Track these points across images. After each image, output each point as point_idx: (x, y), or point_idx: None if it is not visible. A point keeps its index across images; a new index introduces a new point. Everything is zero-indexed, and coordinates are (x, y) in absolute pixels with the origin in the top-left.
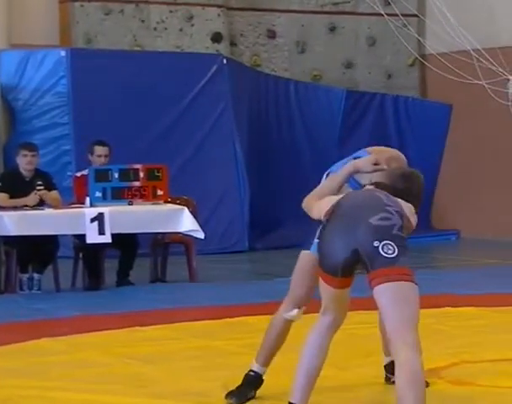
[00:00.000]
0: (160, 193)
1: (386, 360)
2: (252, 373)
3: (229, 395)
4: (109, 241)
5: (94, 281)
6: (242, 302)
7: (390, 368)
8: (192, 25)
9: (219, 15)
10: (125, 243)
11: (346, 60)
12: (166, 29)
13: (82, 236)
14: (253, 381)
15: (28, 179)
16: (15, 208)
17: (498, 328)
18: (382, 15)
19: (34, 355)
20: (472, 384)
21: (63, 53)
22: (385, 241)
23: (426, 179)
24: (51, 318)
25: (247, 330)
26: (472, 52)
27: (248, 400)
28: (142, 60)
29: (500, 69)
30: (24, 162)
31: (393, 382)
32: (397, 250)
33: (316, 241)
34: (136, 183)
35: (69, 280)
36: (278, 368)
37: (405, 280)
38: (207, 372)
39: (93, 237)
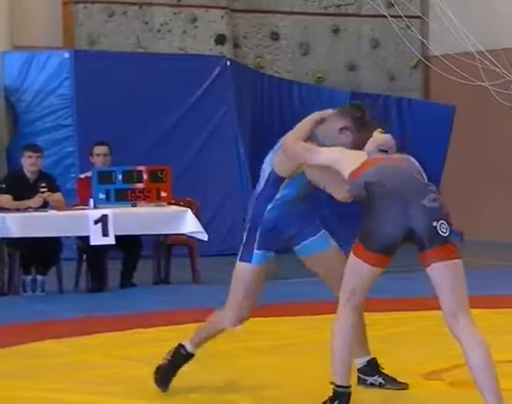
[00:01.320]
0: (163, 194)
1: (360, 363)
2: (183, 351)
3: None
4: (113, 242)
5: (98, 283)
6: None
7: (366, 370)
8: (195, 27)
9: (222, 17)
10: (129, 245)
11: (349, 61)
12: (169, 30)
13: (85, 238)
14: (185, 358)
15: (32, 181)
16: (19, 209)
17: (502, 330)
18: (386, 17)
19: (37, 357)
20: (474, 386)
21: (67, 55)
22: (441, 221)
23: (429, 181)
24: (54, 320)
25: (250, 332)
26: (475, 54)
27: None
28: (146, 62)
29: (503, 71)
30: (29, 164)
31: (370, 384)
32: (449, 228)
33: (257, 252)
34: (140, 185)
35: (72, 282)
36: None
37: (459, 257)
38: (208, 374)
39: (96, 239)
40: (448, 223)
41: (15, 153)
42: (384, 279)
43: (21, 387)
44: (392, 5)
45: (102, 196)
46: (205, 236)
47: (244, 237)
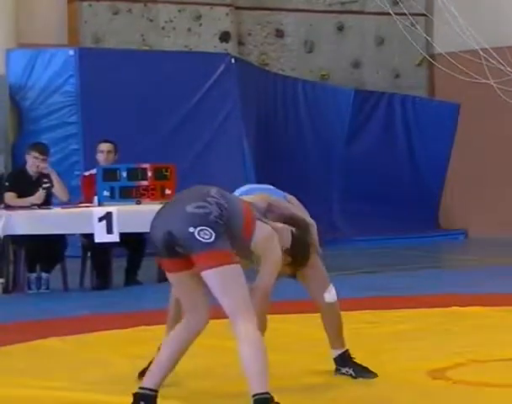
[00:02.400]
0: (168, 192)
1: (334, 353)
2: None
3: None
4: (117, 240)
5: (102, 280)
6: None
7: (339, 360)
8: (200, 25)
9: (227, 14)
10: (133, 242)
11: (354, 59)
12: (174, 28)
13: (90, 236)
14: None
15: (34, 178)
16: (23, 207)
17: (506, 328)
18: (390, 14)
19: (42, 355)
20: (479, 384)
21: (71, 52)
22: (201, 227)
23: (434, 179)
24: (59, 317)
25: None
26: (480, 52)
27: None
28: (151, 59)
29: (508, 68)
30: (31, 164)
31: (342, 373)
32: (214, 235)
33: None
34: (144, 183)
35: (77, 279)
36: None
37: (228, 263)
38: (214, 371)
39: (101, 236)
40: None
41: (20, 151)
42: (391, 277)
43: (26, 385)
44: (397, 3)
45: (106, 193)
46: None
47: None
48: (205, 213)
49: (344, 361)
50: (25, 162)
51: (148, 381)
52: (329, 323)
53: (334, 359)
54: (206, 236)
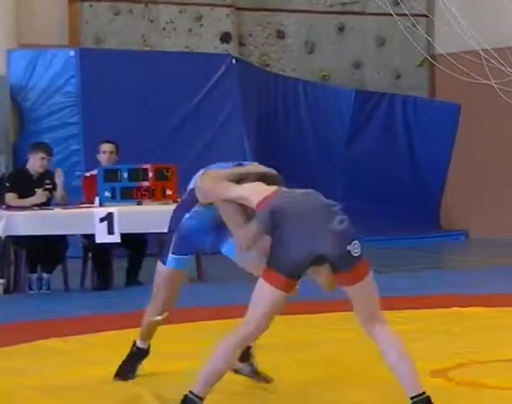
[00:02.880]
0: (169, 192)
1: None
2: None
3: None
4: (119, 240)
5: (103, 281)
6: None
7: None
8: (201, 25)
9: (228, 15)
10: (134, 243)
11: (355, 60)
12: (175, 29)
13: (91, 236)
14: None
15: (35, 178)
16: (24, 207)
17: (507, 328)
18: (391, 15)
19: (43, 355)
20: (480, 384)
21: (72, 53)
22: (353, 242)
23: (434, 179)
24: (60, 318)
25: None
26: (480, 52)
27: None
28: (151, 60)
29: (509, 69)
30: (38, 165)
31: (237, 370)
32: (359, 245)
33: (172, 256)
34: (145, 183)
35: (78, 280)
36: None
37: (369, 272)
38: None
39: (102, 237)
40: (359, 240)
41: (21, 151)
42: (392, 278)
43: (27, 385)
44: (398, 3)
45: (107, 194)
46: None
47: (164, 239)
48: (349, 225)
49: (245, 357)
50: (25, 162)
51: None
52: None
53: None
54: (357, 250)
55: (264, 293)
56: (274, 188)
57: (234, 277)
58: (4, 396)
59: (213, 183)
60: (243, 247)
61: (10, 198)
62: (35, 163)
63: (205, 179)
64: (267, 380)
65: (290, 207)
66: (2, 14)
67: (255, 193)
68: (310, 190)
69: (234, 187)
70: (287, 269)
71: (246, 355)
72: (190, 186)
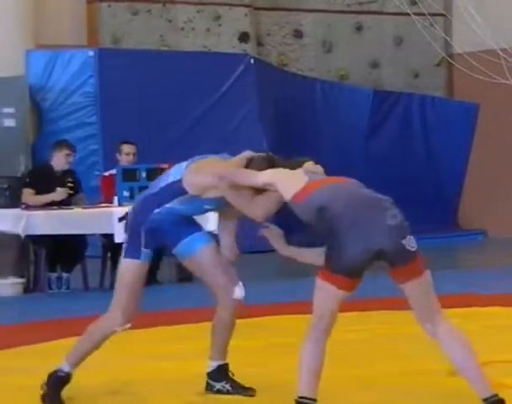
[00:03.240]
0: None
1: (211, 365)
2: (62, 374)
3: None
4: None
5: None
6: (266, 302)
7: (215, 375)
8: (219, 25)
9: (246, 15)
10: None
11: (372, 59)
12: (193, 28)
13: (110, 236)
14: (64, 381)
15: (58, 174)
16: (43, 206)
17: None
18: (409, 14)
19: (63, 354)
20: (500, 384)
21: (91, 53)
22: (408, 237)
23: (452, 179)
24: (80, 317)
25: (270, 330)
26: (499, 51)
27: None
28: (169, 60)
29: None
30: (63, 161)
31: (217, 390)
32: (414, 240)
33: (144, 250)
34: None
35: (97, 279)
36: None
37: (426, 268)
38: (234, 371)
39: (120, 237)
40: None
41: (40, 151)
42: None
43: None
44: (416, 3)
45: (126, 194)
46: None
47: (127, 235)
48: (403, 219)
49: (221, 375)
50: (49, 159)
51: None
52: (227, 326)
53: (209, 373)
54: (413, 244)
55: (328, 295)
56: (305, 178)
57: (250, 277)
58: (25, 395)
59: (229, 169)
60: (263, 228)
61: (27, 194)
62: (60, 160)
63: (208, 168)
64: (251, 391)
65: (341, 204)
66: (21, 15)
67: (286, 181)
68: (352, 180)
69: (260, 173)
70: (347, 270)
71: (223, 374)
72: (169, 180)
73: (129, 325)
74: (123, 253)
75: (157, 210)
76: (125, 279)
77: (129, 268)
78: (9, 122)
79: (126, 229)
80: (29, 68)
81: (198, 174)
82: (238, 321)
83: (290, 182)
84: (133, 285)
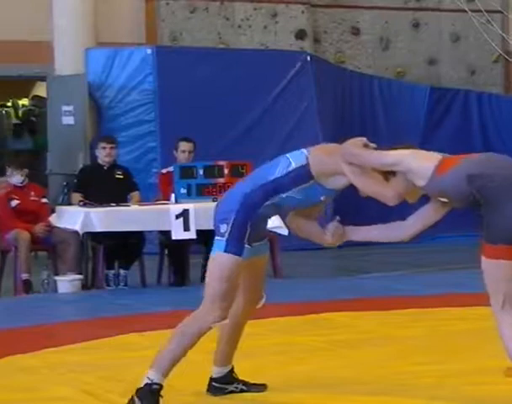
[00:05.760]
0: None
1: (217, 372)
2: (156, 386)
3: None
4: (194, 237)
5: (180, 277)
6: (326, 298)
7: (226, 377)
8: (276, 22)
9: (303, 12)
10: (210, 239)
11: (429, 56)
12: (250, 26)
13: (167, 233)
14: (160, 393)
15: (106, 168)
16: (101, 204)
17: None
18: (466, 11)
19: (122, 350)
20: None
21: (149, 51)
22: None
23: None
24: (138, 313)
25: (331, 326)
26: None
27: None
28: (227, 57)
29: None
30: (103, 155)
31: (230, 391)
32: None
33: (248, 246)
34: (221, 180)
35: (155, 276)
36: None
37: None
38: (290, 367)
39: (178, 234)
40: None
41: None
42: (470, 274)
43: (106, 378)
44: (473, 0)
45: (183, 191)
46: (285, 231)
47: (229, 228)
48: None
49: (232, 377)
50: (96, 157)
51: None
52: (241, 331)
53: (216, 379)
54: None
55: (497, 271)
56: (432, 153)
57: (309, 273)
58: (83, 391)
59: (359, 150)
60: (394, 199)
61: (74, 198)
62: (101, 154)
63: (337, 151)
64: (263, 386)
65: (495, 173)
66: (81, 14)
67: (420, 157)
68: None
69: (389, 152)
70: (510, 238)
71: (232, 376)
72: (290, 167)
73: (226, 321)
74: (222, 247)
75: (268, 202)
76: (225, 273)
77: (230, 263)
78: (69, 120)
79: (215, 224)
80: (88, 66)
81: (329, 157)
82: (302, 318)
83: (423, 157)
84: (233, 281)
